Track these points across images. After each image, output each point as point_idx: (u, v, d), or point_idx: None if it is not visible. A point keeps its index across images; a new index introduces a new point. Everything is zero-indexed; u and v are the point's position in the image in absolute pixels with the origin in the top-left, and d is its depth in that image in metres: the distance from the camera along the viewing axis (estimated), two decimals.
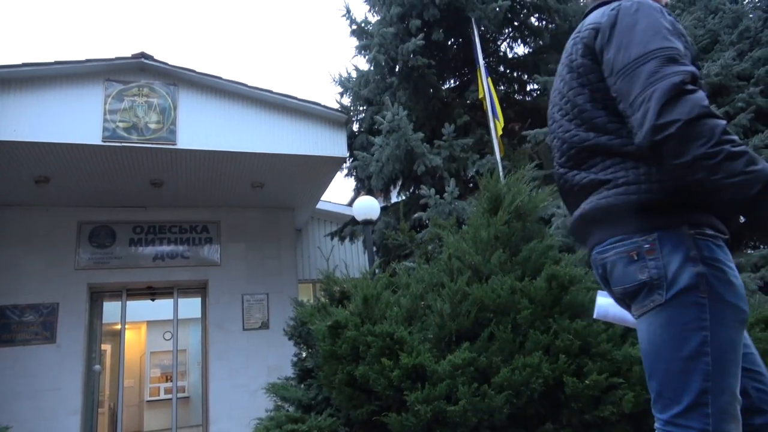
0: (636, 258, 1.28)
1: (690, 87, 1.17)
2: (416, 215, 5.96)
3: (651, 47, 1.25)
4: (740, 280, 1.25)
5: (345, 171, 7.99)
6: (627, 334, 2.92)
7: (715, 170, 1.12)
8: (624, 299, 1.37)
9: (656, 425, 1.27)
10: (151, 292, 8.05)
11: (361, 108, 8.04)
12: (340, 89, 8.11)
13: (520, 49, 7.82)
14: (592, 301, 3.02)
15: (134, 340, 12.31)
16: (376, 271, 4.21)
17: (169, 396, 11.33)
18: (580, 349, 2.77)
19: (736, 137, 1.15)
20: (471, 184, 6.83)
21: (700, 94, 1.18)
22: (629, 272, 1.30)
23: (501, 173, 5.36)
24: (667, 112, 1.16)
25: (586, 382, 2.62)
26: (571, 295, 2.91)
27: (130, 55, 6.10)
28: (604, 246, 1.36)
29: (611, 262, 1.35)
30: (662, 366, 1.24)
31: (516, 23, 7.42)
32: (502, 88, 7.68)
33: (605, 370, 2.67)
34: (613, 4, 1.40)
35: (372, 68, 7.37)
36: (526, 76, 7.74)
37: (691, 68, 1.21)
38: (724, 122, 1.15)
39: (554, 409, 2.79)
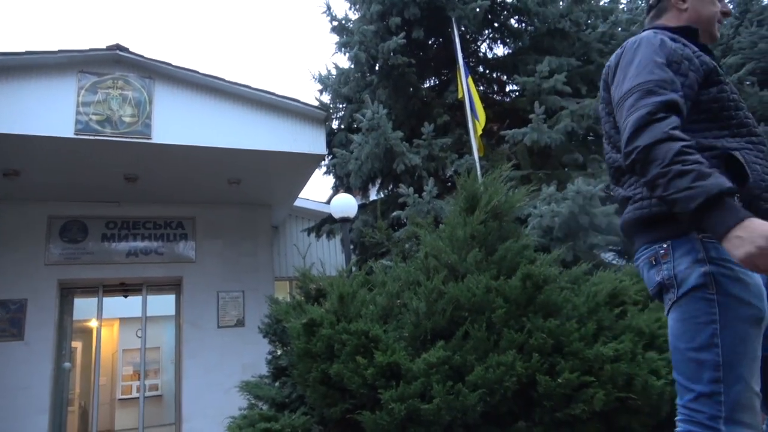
0: (654, 263, 1.45)
1: (659, 116, 1.34)
2: (394, 214, 5.96)
3: (636, 82, 1.43)
4: (754, 278, 1.34)
5: (324, 168, 7.95)
6: (599, 333, 2.95)
7: (667, 187, 1.28)
8: (657, 300, 1.52)
9: (677, 411, 1.39)
10: (124, 288, 7.90)
11: (340, 106, 8.01)
12: (320, 86, 8.06)
13: (500, 50, 7.88)
14: (566, 300, 3.06)
15: (107, 337, 12.06)
16: (353, 269, 4.20)
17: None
18: (553, 348, 2.79)
19: (692, 156, 1.28)
20: (449, 184, 6.86)
21: (668, 121, 1.33)
22: (650, 276, 1.47)
23: (479, 173, 5.38)
24: (633, 140, 1.36)
25: (559, 380, 2.65)
26: (545, 294, 2.93)
27: (104, 47, 5.97)
28: (637, 254, 1.54)
29: (640, 268, 1.53)
30: (679, 357, 1.37)
31: (496, 24, 7.47)
32: (482, 88, 7.71)
33: (577, 369, 2.70)
34: (624, 43, 1.59)
35: (352, 66, 7.34)
36: (505, 77, 7.80)
37: (665, 97, 1.36)
38: (680, 144, 1.29)
39: (527, 407, 2.81)
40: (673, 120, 1.34)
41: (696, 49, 1.52)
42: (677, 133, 1.31)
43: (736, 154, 1.39)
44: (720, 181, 1.23)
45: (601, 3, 8.04)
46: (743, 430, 1.26)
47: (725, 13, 1.65)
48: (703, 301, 1.33)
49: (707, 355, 1.31)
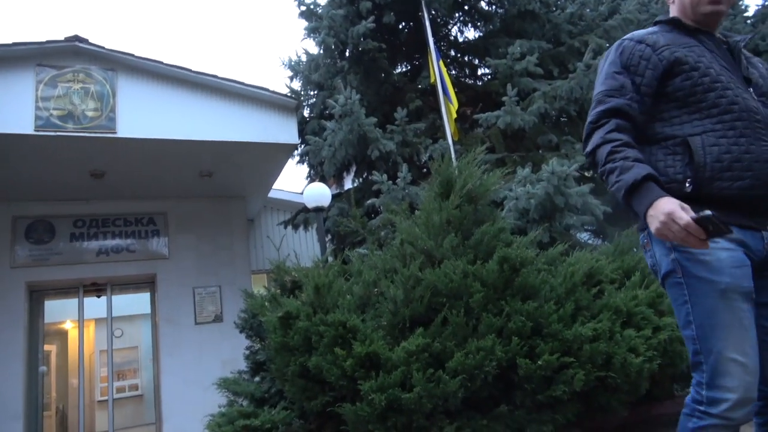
0: (645, 249, 1.64)
1: (600, 123, 1.58)
2: (369, 201, 5.89)
3: (595, 92, 1.66)
4: (714, 255, 1.45)
5: (297, 158, 7.82)
6: (577, 313, 2.95)
7: (607, 182, 1.52)
8: None
9: None
10: (97, 288, 7.70)
11: (312, 93, 7.87)
12: (290, 73, 7.91)
13: (471, 34, 7.83)
14: (544, 282, 3.05)
15: (78, 338, 11.81)
16: (329, 258, 4.13)
17: (120, 395, 10.99)
18: (532, 331, 2.78)
19: (620, 154, 1.49)
20: (424, 170, 6.81)
21: (606, 126, 1.56)
22: (646, 260, 1.66)
23: (453, 157, 5.34)
24: (584, 147, 1.64)
25: (539, 362, 2.64)
26: (523, 277, 2.91)
27: (62, 39, 5.73)
28: None
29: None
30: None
31: (466, 7, 7.40)
32: (454, 72, 7.66)
33: (556, 350, 2.69)
34: None
35: (322, 52, 7.21)
36: (477, 61, 7.75)
37: (608, 105, 1.58)
38: (611, 145, 1.52)
39: (508, 391, 2.79)
40: (612, 123, 1.55)
41: (663, 44, 1.61)
42: (612, 135, 1.53)
43: (694, 139, 1.51)
44: (636, 172, 1.44)
45: None
46: (721, 393, 1.41)
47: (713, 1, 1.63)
48: (676, 285, 1.51)
49: (688, 332, 1.49)
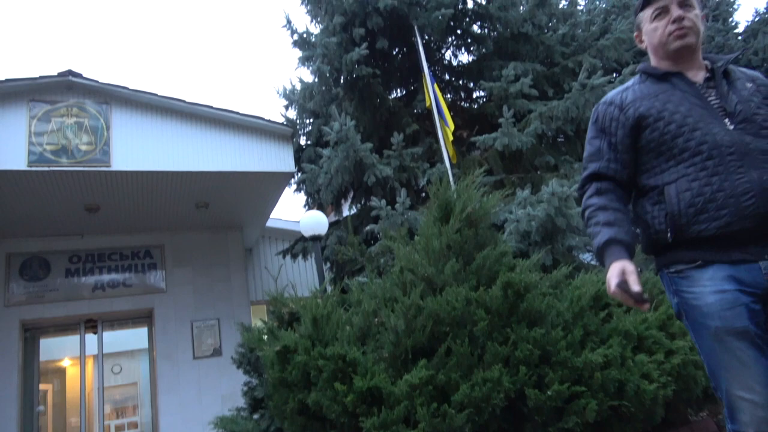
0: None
1: (584, 189, 1.72)
2: (368, 228, 5.80)
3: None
4: (703, 299, 1.47)
5: (294, 186, 7.76)
6: (586, 339, 2.84)
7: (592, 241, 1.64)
8: None
9: None
10: (93, 325, 7.56)
11: (307, 121, 7.86)
12: (285, 102, 7.91)
13: (464, 57, 7.84)
14: (550, 307, 2.94)
15: (79, 375, 11.59)
16: (327, 288, 4.02)
17: None
18: (540, 359, 2.66)
19: (594, 219, 1.62)
20: (423, 194, 6.74)
21: (588, 192, 1.69)
22: None
23: (451, 180, 5.28)
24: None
25: (548, 393, 2.51)
26: (528, 302, 2.80)
27: (56, 74, 5.73)
28: None
29: None
30: None
31: (459, 31, 7.43)
32: (449, 96, 7.66)
33: (566, 379, 2.57)
34: None
35: (316, 80, 7.21)
36: (471, 84, 7.75)
37: (587, 172, 1.71)
38: (588, 210, 1.66)
39: (517, 424, 2.66)
40: (592, 188, 1.68)
41: (630, 100, 1.65)
42: (590, 201, 1.67)
43: (668, 188, 1.54)
44: (600, 238, 1.57)
45: (560, 6, 8.08)
46: (739, 426, 1.43)
47: (675, 20, 1.62)
48: (686, 326, 1.57)
49: (706, 369, 1.53)
